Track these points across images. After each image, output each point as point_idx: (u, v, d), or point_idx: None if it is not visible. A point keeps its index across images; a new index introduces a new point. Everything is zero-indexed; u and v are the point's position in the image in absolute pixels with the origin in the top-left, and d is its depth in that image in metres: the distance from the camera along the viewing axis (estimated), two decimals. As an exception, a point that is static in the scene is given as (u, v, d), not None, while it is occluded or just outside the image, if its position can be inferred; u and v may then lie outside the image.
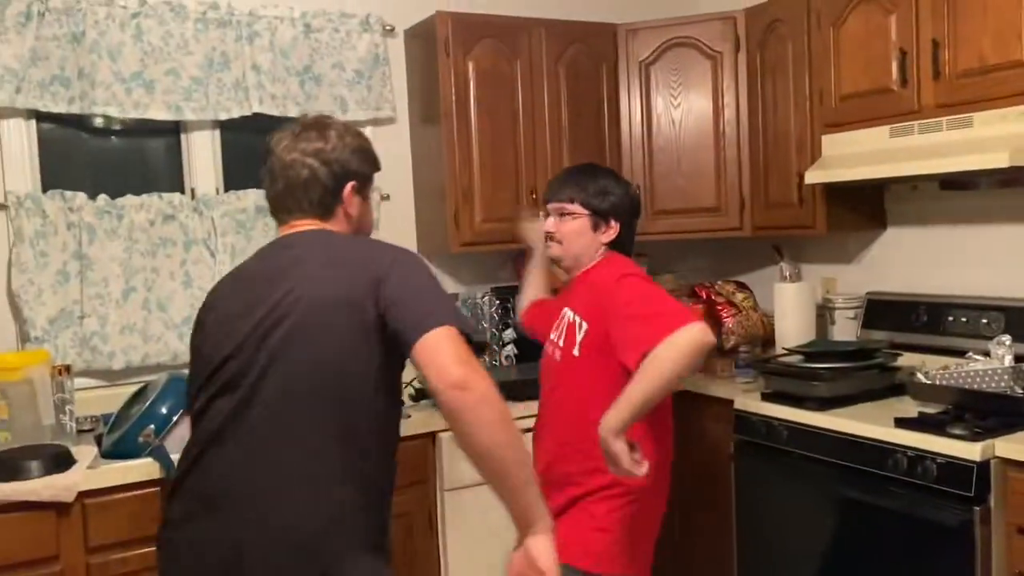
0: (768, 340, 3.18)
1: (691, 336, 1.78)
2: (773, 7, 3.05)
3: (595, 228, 2.11)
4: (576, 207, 2.10)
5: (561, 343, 2.10)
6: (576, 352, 2.04)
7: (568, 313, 2.10)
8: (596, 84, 3.27)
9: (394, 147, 3.26)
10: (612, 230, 2.12)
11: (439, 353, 1.40)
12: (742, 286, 3.27)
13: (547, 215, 2.19)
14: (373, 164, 1.71)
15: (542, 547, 1.49)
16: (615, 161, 3.30)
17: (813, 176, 2.80)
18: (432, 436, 2.73)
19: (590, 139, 3.26)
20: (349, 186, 1.63)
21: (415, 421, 2.75)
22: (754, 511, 2.74)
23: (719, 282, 3.30)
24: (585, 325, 2.03)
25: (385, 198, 3.22)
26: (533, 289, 2.51)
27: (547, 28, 3.16)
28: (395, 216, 3.25)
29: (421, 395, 2.93)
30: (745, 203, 3.21)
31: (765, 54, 3.09)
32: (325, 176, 1.61)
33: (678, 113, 3.25)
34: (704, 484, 2.95)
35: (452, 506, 2.72)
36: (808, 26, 2.89)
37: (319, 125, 1.65)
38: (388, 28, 3.17)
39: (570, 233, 2.12)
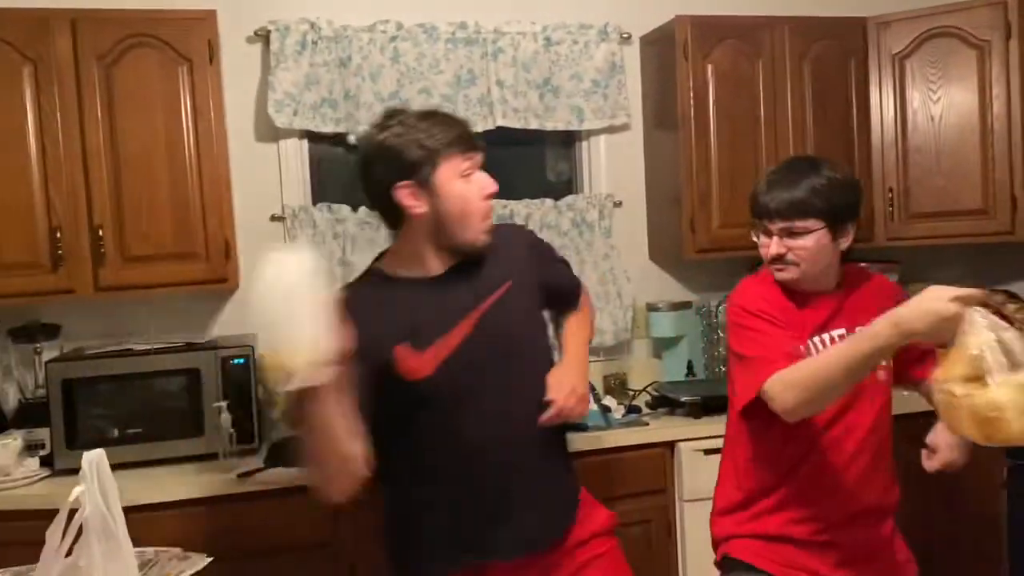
0: (1045, 356, 2.86)
1: None
2: (1053, -13, 2.76)
3: (835, 237, 1.74)
4: (810, 222, 1.71)
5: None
6: (882, 375, 1.80)
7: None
8: (843, 82, 3.10)
9: (627, 154, 3.28)
10: (851, 234, 1.76)
11: None
12: (1014, 296, 2.96)
13: (765, 233, 1.78)
14: (429, 145, 1.56)
15: None
16: (864, 161, 3.12)
17: (1106, 173, 2.49)
18: (671, 445, 2.70)
19: (836, 139, 3.10)
20: (398, 187, 1.57)
21: (653, 429, 2.74)
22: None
23: (986, 291, 3.01)
24: None
25: (618, 205, 3.24)
26: None
27: (791, 25, 3.05)
28: (627, 223, 3.26)
29: (659, 402, 2.92)
30: (1017, 204, 2.91)
31: (1043, 40, 2.79)
32: (372, 186, 1.61)
33: (937, 109, 3.02)
34: (970, 513, 2.70)
35: (692, 516, 2.68)
36: (1100, 6, 2.58)
37: (379, 124, 1.63)
38: (625, 36, 3.19)
39: (809, 252, 1.72)
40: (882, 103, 3.10)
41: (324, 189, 3.02)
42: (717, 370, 3.17)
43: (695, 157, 3.00)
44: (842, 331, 1.75)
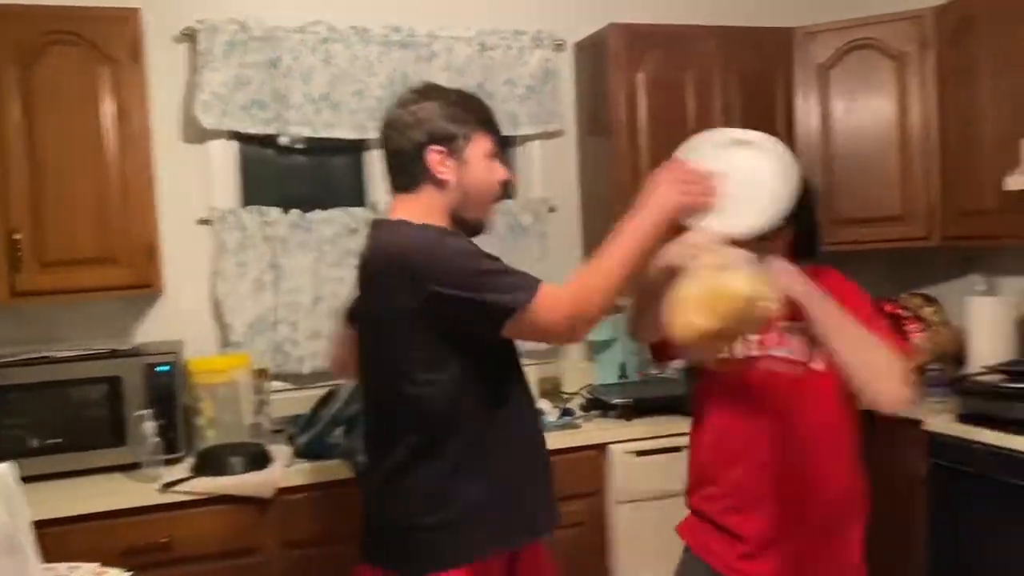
0: (960, 357, 2.97)
1: None
2: (967, 3, 2.86)
3: (760, 239, 1.66)
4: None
5: (793, 356, 1.81)
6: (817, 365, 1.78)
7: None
8: (770, 90, 3.18)
9: (561, 159, 3.30)
10: (782, 237, 1.74)
11: None
12: (930, 299, 3.08)
13: None
14: (466, 121, 1.66)
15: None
16: (790, 169, 3.20)
17: (1015, 182, 2.60)
18: (603, 447, 2.73)
19: (763, 147, 3.17)
20: (431, 150, 1.63)
21: (585, 432, 2.76)
22: (951, 541, 2.57)
23: (904, 295, 3.12)
24: None
25: (552, 210, 3.26)
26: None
27: (719, 36, 3.11)
28: (562, 227, 3.29)
29: (592, 405, 2.94)
30: (934, 211, 3.02)
31: (957, 54, 2.90)
32: (403, 143, 1.65)
33: (859, 118, 3.11)
34: (892, 510, 2.77)
35: (624, 518, 2.71)
36: (1008, 22, 2.69)
37: (419, 91, 1.69)
38: (558, 43, 3.21)
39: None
40: (807, 112, 3.18)
41: (254, 191, 2.97)
42: (649, 373, 3.21)
43: (627, 163, 3.04)
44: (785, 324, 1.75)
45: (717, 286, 1.48)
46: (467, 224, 1.69)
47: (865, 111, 3.11)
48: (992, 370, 2.64)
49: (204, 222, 2.87)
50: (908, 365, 1.66)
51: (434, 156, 1.63)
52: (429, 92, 1.69)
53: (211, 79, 2.76)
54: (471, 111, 1.68)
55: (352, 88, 2.92)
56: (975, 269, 2.97)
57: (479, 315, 1.53)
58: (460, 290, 1.52)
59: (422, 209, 1.65)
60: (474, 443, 1.61)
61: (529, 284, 1.54)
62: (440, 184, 1.65)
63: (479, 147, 1.67)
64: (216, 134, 2.86)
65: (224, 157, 2.90)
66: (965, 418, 2.54)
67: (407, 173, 1.66)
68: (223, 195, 2.89)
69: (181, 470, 2.39)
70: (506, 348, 1.68)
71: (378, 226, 1.71)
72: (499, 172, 1.71)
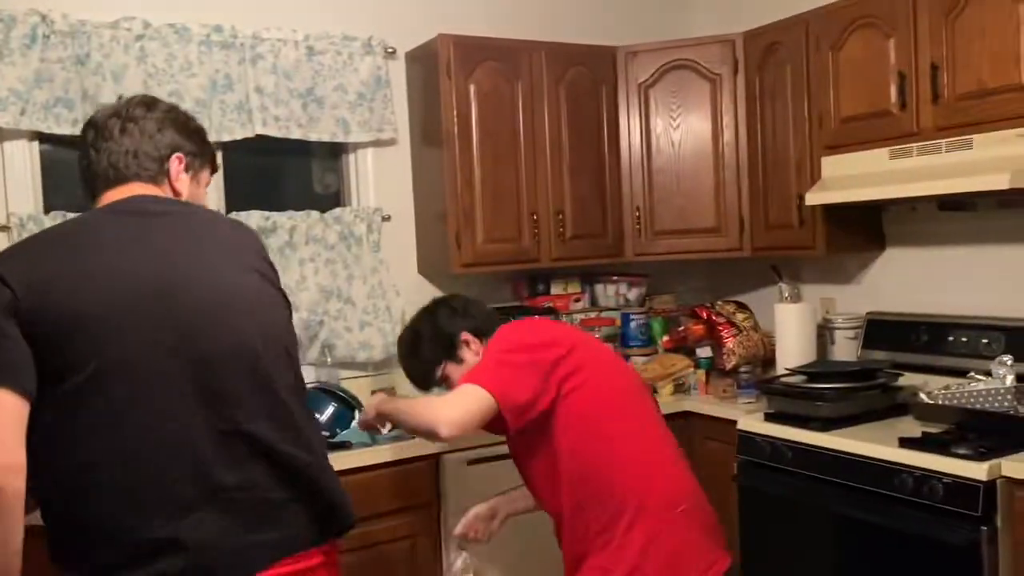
0: (768, 360, 3.19)
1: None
2: (771, 30, 3.09)
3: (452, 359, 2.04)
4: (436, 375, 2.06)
5: None
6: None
7: None
8: (596, 106, 3.29)
9: (395, 168, 3.28)
10: (468, 347, 2.03)
11: None
12: (742, 306, 3.29)
13: None
14: (203, 141, 1.70)
15: None
16: (615, 181, 3.33)
17: (813, 198, 2.82)
18: (435, 458, 2.72)
19: (590, 160, 3.29)
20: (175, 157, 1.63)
21: (417, 443, 2.74)
22: (758, 532, 2.74)
23: (719, 302, 3.32)
24: None
25: (386, 219, 3.23)
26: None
27: (547, 51, 3.19)
28: (396, 237, 3.26)
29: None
30: (744, 224, 3.23)
31: (764, 77, 3.12)
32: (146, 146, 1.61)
33: (677, 135, 3.28)
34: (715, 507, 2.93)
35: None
36: (807, 49, 2.93)
37: (145, 102, 1.66)
38: (390, 50, 3.19)
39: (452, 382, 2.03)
40: (630, 128, 3.33)
41: (57, 196, 2.75)
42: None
43: (459, 174, 3.06)
44: None
45: None
46: None
47: (683, 129, 3.28)
48: (794, 372, 2.85)
49: (1, 229, 2.63)
50: (468, 397, 1.80)
51: (175, 164, 1.63)
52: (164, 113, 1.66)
53: (7, 74, 2.54)
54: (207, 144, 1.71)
55: (168, 88, 2.77)
56: (782, 278, 3.20)
57: None
58: None
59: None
60: None
61: None
62: (176, 194, 1.64)
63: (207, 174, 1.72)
64: (15, 134, 2.63)
65: (24, 159, 2.68)
66: (771, 417, 2.72)
67: (152, 169, 1.61)
68: (22, 199, 2.67)
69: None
70: None
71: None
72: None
